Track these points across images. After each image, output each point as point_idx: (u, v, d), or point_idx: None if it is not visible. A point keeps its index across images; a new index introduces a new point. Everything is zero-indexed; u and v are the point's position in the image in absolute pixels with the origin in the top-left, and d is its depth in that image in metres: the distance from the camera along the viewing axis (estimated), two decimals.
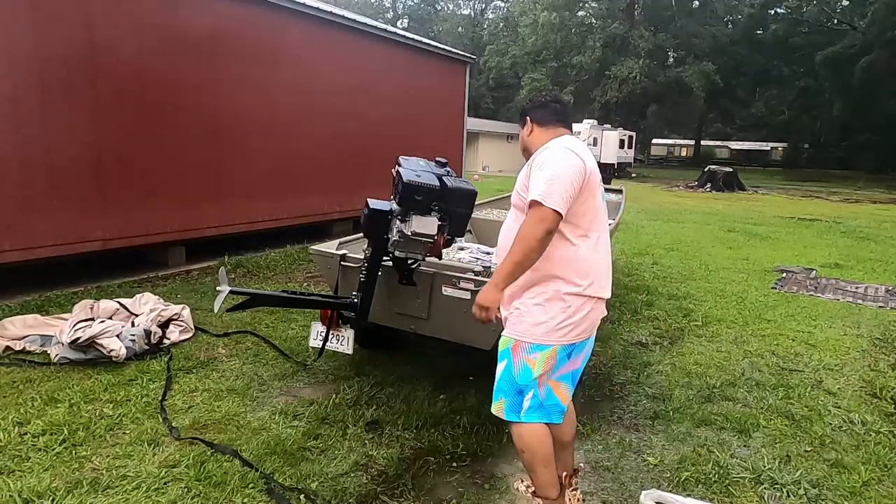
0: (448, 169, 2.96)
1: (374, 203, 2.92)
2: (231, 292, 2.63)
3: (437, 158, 2.99)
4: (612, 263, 2.29)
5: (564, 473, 2.27)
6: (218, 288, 2.54)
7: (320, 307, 3.27)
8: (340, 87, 8.29)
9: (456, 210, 2.81)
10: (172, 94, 6.05)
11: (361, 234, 3.37)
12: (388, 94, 9.31)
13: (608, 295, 2.18)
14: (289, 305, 3.20)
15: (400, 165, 2.85)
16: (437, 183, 2.76)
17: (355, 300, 3.11)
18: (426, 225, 2.74)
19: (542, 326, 2.07)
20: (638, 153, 40.24)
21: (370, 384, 3.50)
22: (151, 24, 5.76)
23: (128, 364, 3.64)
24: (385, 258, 3.03)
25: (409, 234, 2.74)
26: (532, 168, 2.07)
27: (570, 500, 2.24)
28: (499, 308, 2.11)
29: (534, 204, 1.96)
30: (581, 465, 2.68)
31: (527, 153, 2.22)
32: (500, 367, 2.16)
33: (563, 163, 2.00)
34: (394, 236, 2.84)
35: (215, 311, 2.64)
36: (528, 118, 2.28)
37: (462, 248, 3.99)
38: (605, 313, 2.23)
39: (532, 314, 2.08)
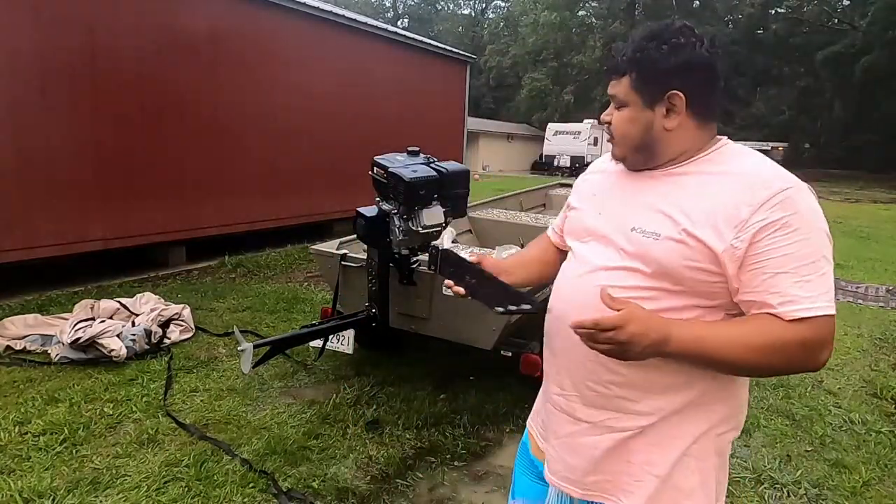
0: (427, 155, 2.97)
1: (368, 210, 2.92)
2: (255, 346, 2.61)
3: (409, 148, 2.98)
4: None
5: None
6: (240, 348, 2.53)
7: (340, 330, 3.21)
8: (341, 86, 8.30)
9: (456, 192, 2.87)
10: (173, 94, 6.05)
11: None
12: (388, 94, 9.31)
13: None
14: (310, 339, 3.15)
15: (381, 167, 2.83)
16: (434, 173, 2.78)
17: (372, 311, 3.10)
18: (434, 216, 2.79)
19: None
20: None
21: (370, 384, 3.50)
22: (152, 24, 5.76)
23: (128, 364, 3.65)
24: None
25: (419, 229, 2.77)
26: (759, 226, 1.02)
27: None
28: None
29: (817, 321, 1.01)
30: None
31: (644, 155, 1.18)
32: None
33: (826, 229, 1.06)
34: (399, 237, 2.84)
35: (245, 371, 2.63)
36: (679, 94, 1.11)
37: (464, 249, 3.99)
38: None
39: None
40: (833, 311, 1.01)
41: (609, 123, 1.20)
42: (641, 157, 1.18)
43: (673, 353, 1.03)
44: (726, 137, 1.18)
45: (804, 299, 0.99)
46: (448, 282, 1.28)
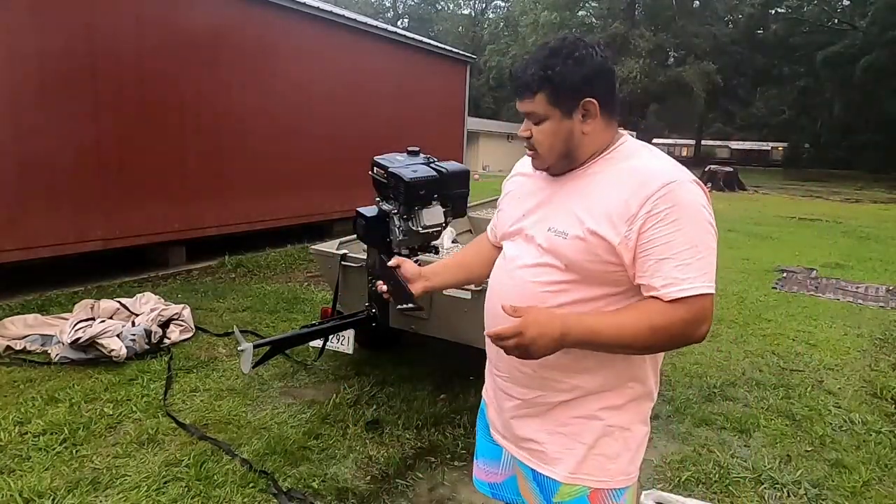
0: (427, 156, 2.97)
1: (368, 210, 2.92)
2: (255, 346, 2.61)
3: (409, 148, 2.98)
4: None
5: None
6: (240, 348, 2.53)
7: (340, 329, 3.21)
8: (341, 86, 8.30)
9: (456, 192, 2.87)
10: (173, 94, 6.05)
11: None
12: (388, 94, 9.31)
13: None
14: (310, 339, 3.16)
15: (381, 167, 2.83)
16: (434, 173, 2.78)
17: (372, 311, 3.10)
18: (434, 216, 2.79)
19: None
20: None
21: (370, 384, 3.50)
22: (152, 23, 5.76)
23: (128, 364, 3.65)
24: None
25: (419, 229, 2.77)
26: (647, 217, 1.14)
27: None
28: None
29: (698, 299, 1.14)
30: None
31: (568, 160, 1.27)
32: None
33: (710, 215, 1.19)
34: (399, 237, 2.84)
35: (245, 371, 2.63)
36: (593, 101, 1.21)
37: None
38: None
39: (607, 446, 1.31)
40: (710, 290, 1.14)
41: (528, 138, 1.28)
42: (565, 162, 1.27)
43: (572, 345, 1.16)
44: (626, 134, 1.30)
45: (683, 281, 1.13)
46: (379, 283, 1.52)
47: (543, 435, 1.32)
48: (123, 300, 4.32)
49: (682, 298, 1.12)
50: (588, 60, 1.19)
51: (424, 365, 3.81)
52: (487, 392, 1.51)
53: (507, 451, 1.42)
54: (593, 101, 1.20)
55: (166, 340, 3.98)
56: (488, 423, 1.51)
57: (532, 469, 1.35)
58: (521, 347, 1.12)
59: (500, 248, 1.53)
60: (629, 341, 1.15)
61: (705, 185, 1.24)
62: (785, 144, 47.48)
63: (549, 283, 1.24)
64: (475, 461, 1.58)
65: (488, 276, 1.55)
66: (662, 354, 1.35)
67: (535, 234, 1.29)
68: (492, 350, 1.40)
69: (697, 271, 1.12)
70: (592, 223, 1.18)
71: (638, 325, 1.14)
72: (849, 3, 38.37)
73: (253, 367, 2.59)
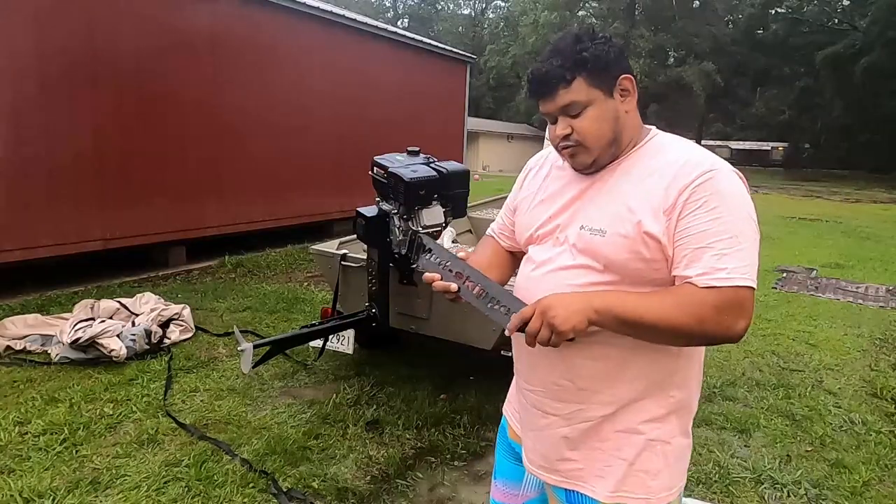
0: (427, 156, 2.97)
1: (368, 210, 2.92)
2: (255, 346, 2.61)
3: (409, 148, 2.98)
4: None
5: None
6: (240, 348, 2.53)
7: (340, 329, 3.22)
8: (341, 86, 8.30)
9: (456, 192, 2.86)
10: (173, 94, 6.05)
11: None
12: (388, 94, 9.31)
13: None
14: (310, 339, 3.16)
15: (381, 167, 2.83)
16: (434, 173, 2.78)
17: (372, 311, 3.10)
18: (434, 216, 2.79)
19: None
20: None
21: (370, 384, 3.50)
22: (153, 24, 5.76)
23: (128, 364, 3.65)
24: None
25: (419, 229, 2.77)
26: (686, 205, 1.09)
27: None
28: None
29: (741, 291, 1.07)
30: None
31: (615, 147, 1.19)
32: None
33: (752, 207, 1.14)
34: (399, 237, 2.84)
35: (244, 371, 2.63)
36: (629, 77, 1.19)
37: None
38: None
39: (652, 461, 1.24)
40: (750, 284, 1.07)
41: (567, 136, 1.17)
42: (612, 151, 1.19)
43: (598, 312, 1.07)
44: (655, 128, 1.24)
45: (719, 271, 1.06)
46: (431, 276, 1.21)
47: (580, 452, 1.24)
48: (123, 300, 4.32)
49: (717, 287, 1.05)
50: (611, 41, 1.18)
51: (424, 365, 3.81)
52: (512, 411, 1.43)
53: (537, 476, 1.33)
54: (629, 76, 1.17)
55: (166, 340, 3.98)
56: (510, 444, 1.44)
57: (565, 490, 1.27)
58: (546, 318, 1.04)
59: (512, 252, 1.46)
60: (654, 314, 1.06)
61: None
62: (785, 144, 47.45)
63: (587, 286, 1.16)
64: (493, 481, 1.51)
65: (508, 279, 1.44)
66: (702, 358, 1.29)
67: (568, 236, 1.21)
68: (522, 364, 1.32)
69: (737, 262, 1.06)
70: (636, 217, 1.12)
71: (665, 299, 1.08)
72: (849, 3, 38.33)
73: (253, 367, 2.59)
